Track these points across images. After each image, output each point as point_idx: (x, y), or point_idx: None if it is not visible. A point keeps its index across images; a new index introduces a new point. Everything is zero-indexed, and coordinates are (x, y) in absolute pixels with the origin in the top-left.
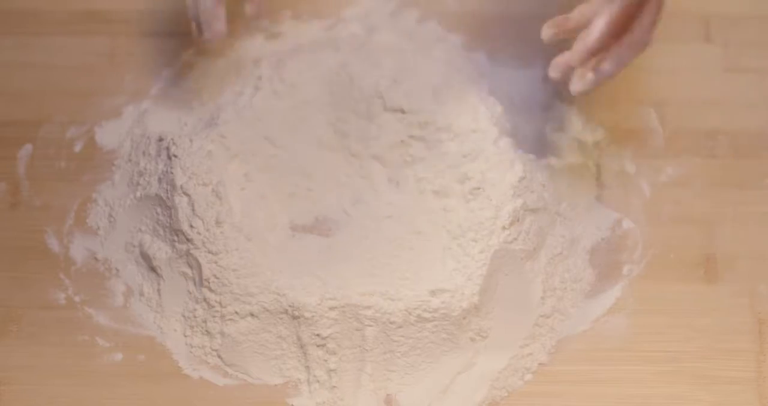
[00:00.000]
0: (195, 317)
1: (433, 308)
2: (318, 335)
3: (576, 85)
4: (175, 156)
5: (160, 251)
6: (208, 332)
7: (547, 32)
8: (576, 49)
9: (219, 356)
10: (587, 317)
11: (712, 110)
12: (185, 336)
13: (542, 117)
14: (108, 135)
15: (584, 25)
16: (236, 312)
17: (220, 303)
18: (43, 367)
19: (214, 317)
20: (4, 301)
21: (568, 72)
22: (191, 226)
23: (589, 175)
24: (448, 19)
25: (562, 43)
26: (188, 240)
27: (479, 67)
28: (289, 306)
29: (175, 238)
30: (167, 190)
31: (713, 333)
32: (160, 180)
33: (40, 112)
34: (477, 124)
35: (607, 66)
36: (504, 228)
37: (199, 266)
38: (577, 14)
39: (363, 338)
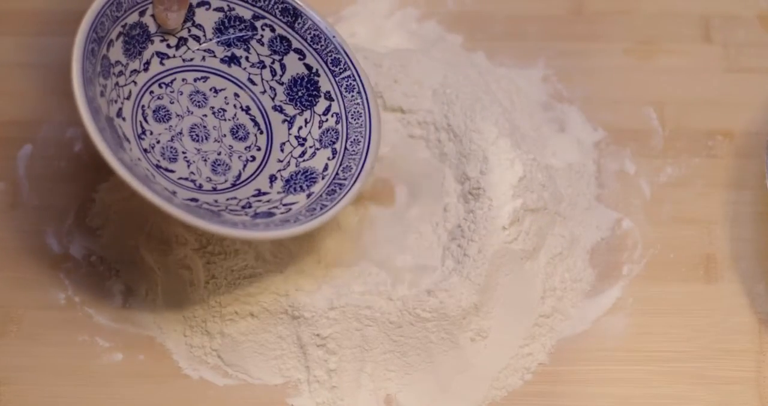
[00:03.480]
0: (195, 317)
1: (433, 308)
2: (318, 335)
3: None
4: None
5: (160, 250)
6: (208, 332)
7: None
8: None
9: (219, 356)
10: (587, 317)
11: (712, 110)
12: (185, 336)
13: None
14: None
15: None
16: (236, 312)
17: (219, 303)
18: (43, 367)
19: (213, 317)
20: (4, 301)
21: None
22: (191, 226)
23: (589, 175)
24: (448, 19)
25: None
26: (188, 240)
27: (479, 67)
28: (289, 306)
29: (175, 238)
30: None
31: (713, 333)
32: None
33: (40, 112)
34: (477, 125)
35: None
36: (504, 228)
37: (199, 266)
38: None
39: (363, 338)
